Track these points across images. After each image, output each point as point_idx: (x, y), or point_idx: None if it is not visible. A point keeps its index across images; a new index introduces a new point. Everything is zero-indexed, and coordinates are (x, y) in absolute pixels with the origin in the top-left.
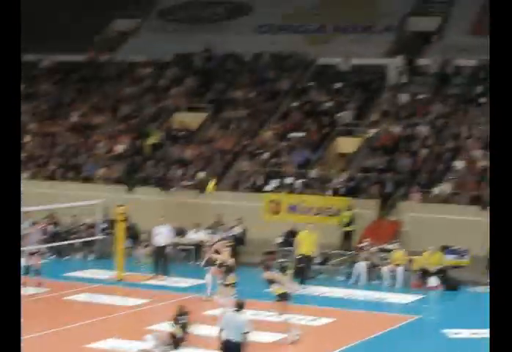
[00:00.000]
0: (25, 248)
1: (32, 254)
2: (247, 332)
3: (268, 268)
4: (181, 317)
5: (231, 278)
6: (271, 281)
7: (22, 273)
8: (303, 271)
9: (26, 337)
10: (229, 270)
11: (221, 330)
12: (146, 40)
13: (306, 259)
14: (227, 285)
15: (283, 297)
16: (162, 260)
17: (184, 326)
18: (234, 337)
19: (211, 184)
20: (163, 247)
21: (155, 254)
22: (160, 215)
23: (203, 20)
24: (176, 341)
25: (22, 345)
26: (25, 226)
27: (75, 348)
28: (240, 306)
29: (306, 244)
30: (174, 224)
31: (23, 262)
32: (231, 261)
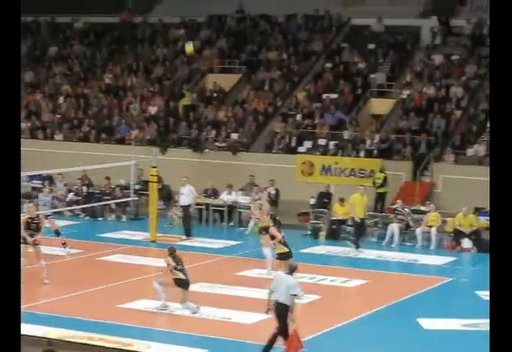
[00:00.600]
0: (62, 209)
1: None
2: (295, 294)
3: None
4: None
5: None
6: (272, 238)
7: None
8: (337, 233)
9: (60, 297)
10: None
11: (272, 292)
12: (179, 1)
13: (361, 222)
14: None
15: (283, 257)
16: (186, 219)
17: (183, 271)
18: (283, 299)
19: (189, 46)
20: (187, 206)
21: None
22: (191, 176)
23: None
24: (183, 284)
25: (56, 304)
26: (59, 187)
27: (108, 308)
28: (292, 270)
29: (359, 207)
30: (207, 185)
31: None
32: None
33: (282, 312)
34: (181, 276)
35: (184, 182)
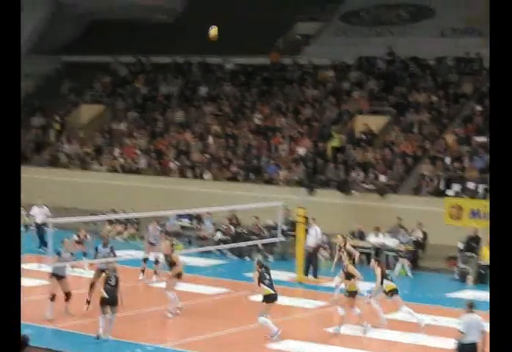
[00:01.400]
0: (210, 248)
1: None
2: (485, 331)
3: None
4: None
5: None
6: (350, 276)
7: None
8: (485, 277)
9: (208, 336)
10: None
11: (463, 333)
12: (328, 43)
13: None
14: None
15: (352, 294)
16: (310, 260)
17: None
18: (475, 339)
19: (214, 30)
20: (314, 248)
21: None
22: (338, 218)
23: (386, 23)
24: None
25: (202, 343)
26: (207, 226)
27: (255, 348)
28: (471, 307)
29: None
30: (354, 227)
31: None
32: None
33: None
34: (270, 291)
35: (311, 223)
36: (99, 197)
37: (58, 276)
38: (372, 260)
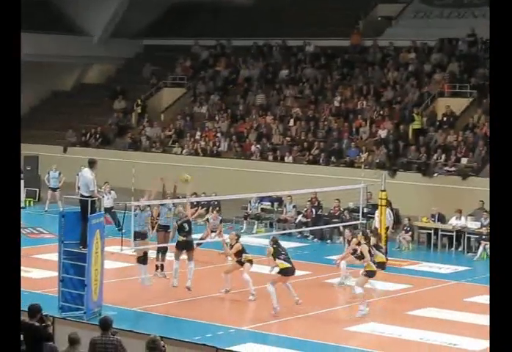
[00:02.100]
0: (291, 230)
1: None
2: None
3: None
4: None
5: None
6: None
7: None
8: None
9: (287, 319)
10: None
11: None
12: (410, 25)
13: None
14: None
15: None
16: None
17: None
18: None
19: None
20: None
21: None
22: (419, 200)
23: (468, 4)
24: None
25: (282, 326)
26: (288, 209)
27: (335, 331)
28: None
29: None
30: (434, 210)
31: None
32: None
33: None
34: (286, 264)
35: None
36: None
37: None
38: (347, 231)
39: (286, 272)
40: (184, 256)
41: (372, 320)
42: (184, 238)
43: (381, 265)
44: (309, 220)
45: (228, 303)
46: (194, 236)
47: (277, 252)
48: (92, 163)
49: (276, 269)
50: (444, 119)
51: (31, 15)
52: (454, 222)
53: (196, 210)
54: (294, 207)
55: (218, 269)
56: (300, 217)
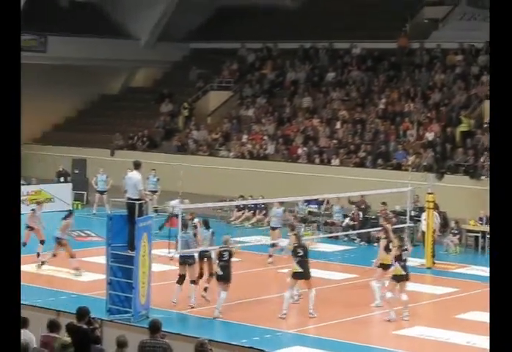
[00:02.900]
0: (338, 234)
1: None
2: None
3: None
4: None
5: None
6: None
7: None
8: None
9: (333, 322)
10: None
11: None
12: (456, 27)
13: None
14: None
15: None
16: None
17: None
18: None
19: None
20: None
21: None
22: (467, 203)
23: None
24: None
25: (328, 329)
26: (335, 211)
27: (383, 334)
28: None
29: None
30: (481, 213)
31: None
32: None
33: None
34: (297, 268)
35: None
36: (227, 183)
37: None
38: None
39: (296, 275)
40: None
41: (419, 324)
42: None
43: (396, 278)
44: (356, 223)
45: (275, 306)
46: (242, 239)
47: (294, 252)
48: (137, 165)
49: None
50: None
51: (78, 19)
52: None
53: (243, 213)
54: (341, 209)
55: (266, 272)
56: (347, 220)
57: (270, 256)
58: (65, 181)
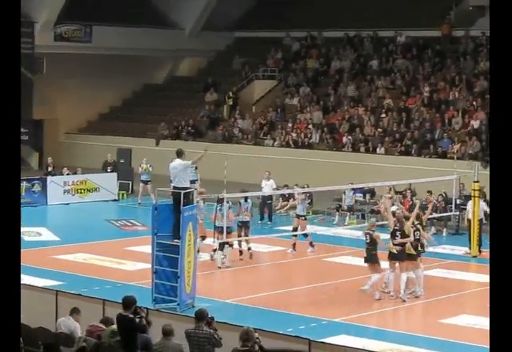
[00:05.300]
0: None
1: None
2: None
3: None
4: None
5: None
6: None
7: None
8: None
9: (379, 311)
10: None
11: None
12: None
13: None
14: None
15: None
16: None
17: None
18: None
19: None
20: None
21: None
22: None
23: None
24: None
25: (374, 318)
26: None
27: (429, 323)
28: None
29: None
30: None
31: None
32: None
33: None
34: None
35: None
36: (272, 172)
37: None
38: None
39: (392, 257)
40: None
41: (465, 313)
42: None
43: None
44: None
45: (321, 294)
46: (288, 228)
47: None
48: (180, 154)
49: None
50: None
51: (123, 9)
52: None
53: (288, 203)
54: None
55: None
56: (394, 208)
57: (293, 244)
58: (112, 171)
